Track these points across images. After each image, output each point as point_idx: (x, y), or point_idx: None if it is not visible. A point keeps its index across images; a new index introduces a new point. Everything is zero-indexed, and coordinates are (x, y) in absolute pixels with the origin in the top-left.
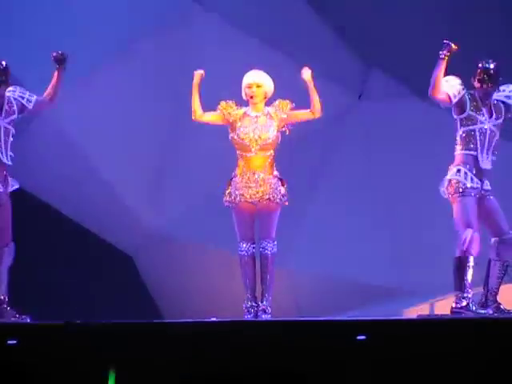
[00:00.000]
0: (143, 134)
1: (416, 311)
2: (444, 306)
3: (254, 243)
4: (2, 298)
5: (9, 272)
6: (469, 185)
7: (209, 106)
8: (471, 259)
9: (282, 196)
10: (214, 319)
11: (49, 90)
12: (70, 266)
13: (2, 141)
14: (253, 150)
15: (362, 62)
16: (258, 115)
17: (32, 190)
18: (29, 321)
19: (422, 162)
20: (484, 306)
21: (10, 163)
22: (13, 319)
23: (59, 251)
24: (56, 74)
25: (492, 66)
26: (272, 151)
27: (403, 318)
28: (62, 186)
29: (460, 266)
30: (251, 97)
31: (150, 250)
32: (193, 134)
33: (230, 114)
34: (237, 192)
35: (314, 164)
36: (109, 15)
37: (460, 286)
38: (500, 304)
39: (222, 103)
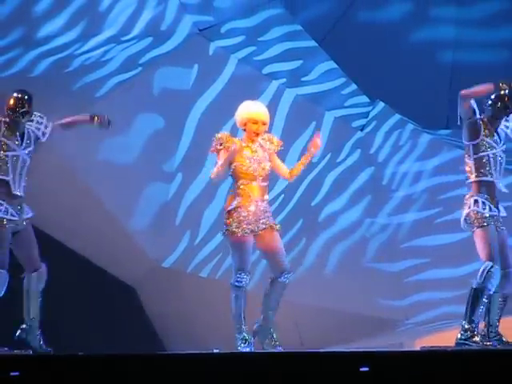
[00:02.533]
0: (147, 166)
1: (420, 343)
2: (448, 338)
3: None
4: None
5: (42, 296)
6: (487, 214)
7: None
8: (485, 292)
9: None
10: (216, 351)
11: (68, 121)
12: (73, 298)
13: (18, 172)
14: (259, 178)
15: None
16: (255, 146)
17: (35, 223)
18: (31, 353)
19: (426, 194)
20: (486, 338)
21: (22, 195)
22: (16, 351)
23: (62, 283)
24: (88, 120)
25: (507, 92)
26: (267, 182)
27: (406, 349)
28: (65, 218)
29: (474, 297)
30: (257, 134)
31: (154, 282)
32: (197, 166)
33: (229, 144)
34: (241, 224)
35: (316, 196)
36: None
37: (469, 317)
38: (502, 336)
39: (224, 137)
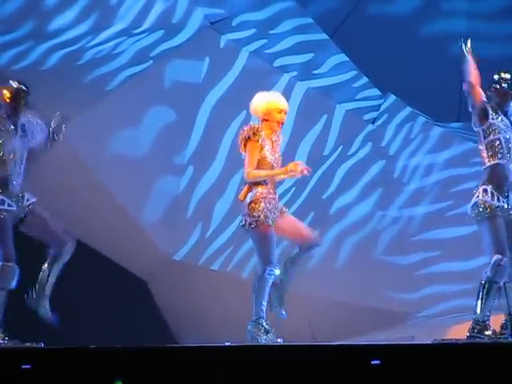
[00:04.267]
0: (158, 159)
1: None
2: (460, 331)
3: None
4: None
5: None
6: (496, 205)
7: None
8: (495, 286)
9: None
10: (228, 344)
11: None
12: (85, 291)
13: (18, 164)
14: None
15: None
16: (276, 139)
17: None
18: (42, 345)
19: (437, 187)
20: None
21: (20, 183)
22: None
23: (73, 276)
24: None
25: (509, 76)
26: None
27: (417, 342)
28: (77, 212)
29: (485, 290)
30: (280, 123)
31: (165, 275)
32: (208, 160)
33: (261, 139)
34: (269, 214)
35: (327, 189)
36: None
37: (481, 310)
38: None
39: (256, 128)
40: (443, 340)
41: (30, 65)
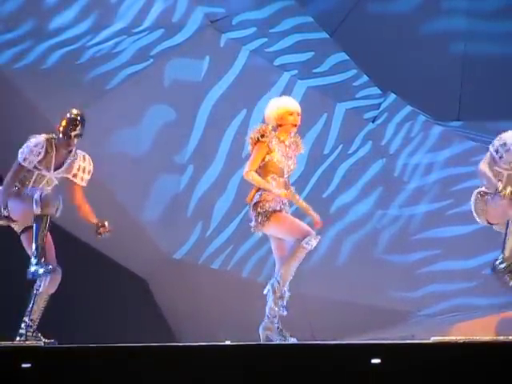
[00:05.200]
0: (158, 158)
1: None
2: (460, 329)
3: None
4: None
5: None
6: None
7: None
8: None
9: None
10: (228, 342)
11: (84, 212)
12: (85, 290)
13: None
14: (286, 175)
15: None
16: (289, 142)
17: None
18: (43, 344)
19: (438, 186)
20: None
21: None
22: (28, 342)
23: (73, 275)
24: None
25: None
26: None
27: (418, 341)
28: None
29: None
30: (295, 125)
31: (165, 273)
32: (209, 158)
33: (272, 141)
34: (276, 203)
35: (327, 188)
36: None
37: None
38: None
39: (267, 130)
40: (443, 339)
41: (30, 63)
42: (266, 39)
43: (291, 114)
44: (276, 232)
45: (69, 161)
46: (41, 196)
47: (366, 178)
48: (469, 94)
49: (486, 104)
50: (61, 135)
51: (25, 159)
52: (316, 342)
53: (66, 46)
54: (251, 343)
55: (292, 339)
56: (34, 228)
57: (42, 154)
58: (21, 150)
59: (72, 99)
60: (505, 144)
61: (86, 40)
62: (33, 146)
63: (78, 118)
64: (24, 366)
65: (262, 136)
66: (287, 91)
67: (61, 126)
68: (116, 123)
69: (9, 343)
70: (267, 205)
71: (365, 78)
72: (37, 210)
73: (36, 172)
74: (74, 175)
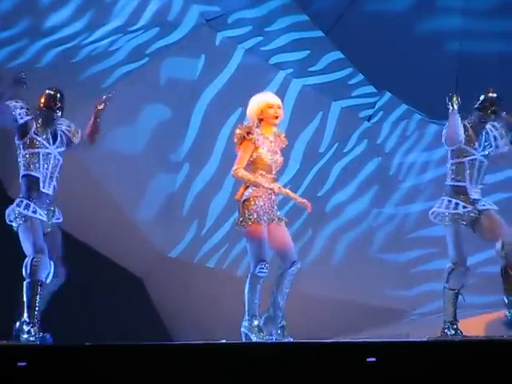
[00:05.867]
0: (154, 156)
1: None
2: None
3: None
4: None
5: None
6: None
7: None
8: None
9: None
10: (223, 341)
11: (87, 131)
12: (80, 289)
13: (49, 170)
14: (274, 170)
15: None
16: (272, 138)
17: None
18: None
19: (433, 184)
20: None
21: (50, 193)
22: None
23: (69, 274)
24: (95, 114)
25: (495, 95)
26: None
27: (413, 340)
28: (72, 209)
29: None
30: (276, 117)
31: (161, 272)
32: (204, 157)
33: (257, 138)
34: (259, 213)
35: (322, 187)
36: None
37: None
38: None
39: (252, 126)
40: (438, 337)
41: (26, 62)
42: (261, 38)
43: (271, 107)
44: (245, 239)
45: (59, 132)
46: (31, 263)
47: (362, 176)
48: (464, 92)
49: None
50: (44, 109)
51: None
52: (312, 341)
53: (61, 44)
54: (246, 342)
55: (289, 338)
56: (25, 293)
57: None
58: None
59: (67, 98)
60: None
61: (82, 38)
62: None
63: (58, 94)
64: (19, 364)
65: (248, 133)
66: (283, 90)
67: (40, 102)
68: (111, 122)
69: (4, 342)
70: (252, 212)
71: (360, 76)
72: (26, 277)
73: (41, 151)
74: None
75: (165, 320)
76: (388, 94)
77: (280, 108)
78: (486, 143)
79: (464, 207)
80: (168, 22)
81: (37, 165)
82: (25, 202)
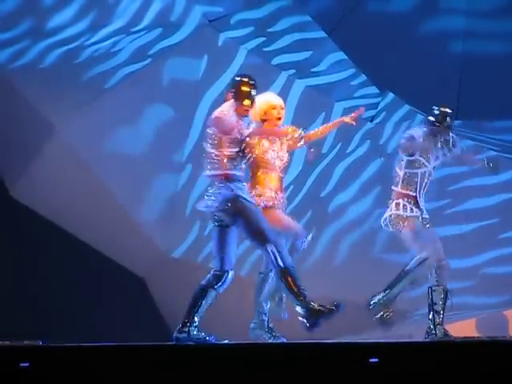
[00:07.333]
0: (156, 157)
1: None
2: (458, 329)
3: None
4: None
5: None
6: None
7: None
8: None
9: None
10: (226, 341)
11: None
12: (83, 289)
13: None
14: (277, 169)
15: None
16: (274, 138)
17: (47, 215)
18: (41, 343)
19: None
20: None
21: None
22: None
23: (72, 274)
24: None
25: (450, 110)
26: (284, 174)
27: (415, 340)
28: (76, 209)
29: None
30: (279, 118)
31: (163, 272)
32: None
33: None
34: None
35: (325, 187)
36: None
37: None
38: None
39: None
40: (441, 338)
41: (28, 63)
42: (264, 38)
43: (274, 108)
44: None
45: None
46: None
47: (364, 177)
48: (467, 93)
49: (484, 103)
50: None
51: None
52: (314, 341)
53: (64, 45)
54: (249, 342)
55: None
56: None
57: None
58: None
59: (70, 99)
60: None
61: (84, 39)
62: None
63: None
64: (22, 365)
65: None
66: (285, 90)
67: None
68: (114, 122)
69: (6, 342)
70: (259, 200)
71: (363, 77)
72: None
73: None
74: None
75: (167, 320)
76: (391, 95)
77: (283, 109)
78: (437, 156)
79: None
80: (171, 23)
81: None
82: None
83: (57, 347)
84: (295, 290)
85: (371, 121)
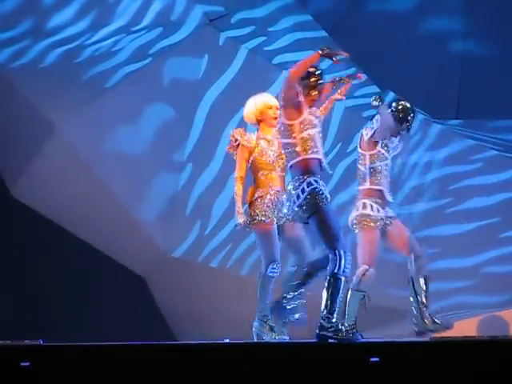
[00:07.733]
0: (157, 156)
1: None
2: (458, 328)
3: None
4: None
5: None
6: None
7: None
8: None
9: None
10: (227, 340)
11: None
12: (83, 288)
13: None
14: (277, 169)
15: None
16: (270, 137)
17: (47, 214)
18: (41, 342)
19: (436, 184)
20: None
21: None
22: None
23: (72, 273)
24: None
25: (409, 105)
26: (285, 172)
27: (416, 339)
28: (76, 208)
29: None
30: (275, 118)
31: (164, 272)
32: (207, 157)
33: (248, 140)
34: (266, 212)
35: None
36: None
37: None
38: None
39: (238, 133)
40: (441, 337)
41: (29, 62)
42: (264, 38)
43: (270, 108)
44: (257, 238)
45: None
46: None
47: None
48: (467, 92)
49: (484, 102)
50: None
51: None
52: (315, 341)
53: (64, 44)
54: (250, 341)
55: (285, 337)
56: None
57: None
58: None
59: (70, 98)
60: None
61: (85, 38)
62: None
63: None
64: (23, 364)
65: (236, 140)
66: None
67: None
68: (115, 122)
69: (7, 342)
70: (257, 212)
71: (363, 76)
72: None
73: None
74: None
75: (168, 320)
76: (391, 94)
77: (278, 109)
78: (393, 147)
79: (380, 210)
80: (171, 22)
81: None
82: None
83: (57, 346)
84: (333, 303)
85: (372, 120)
